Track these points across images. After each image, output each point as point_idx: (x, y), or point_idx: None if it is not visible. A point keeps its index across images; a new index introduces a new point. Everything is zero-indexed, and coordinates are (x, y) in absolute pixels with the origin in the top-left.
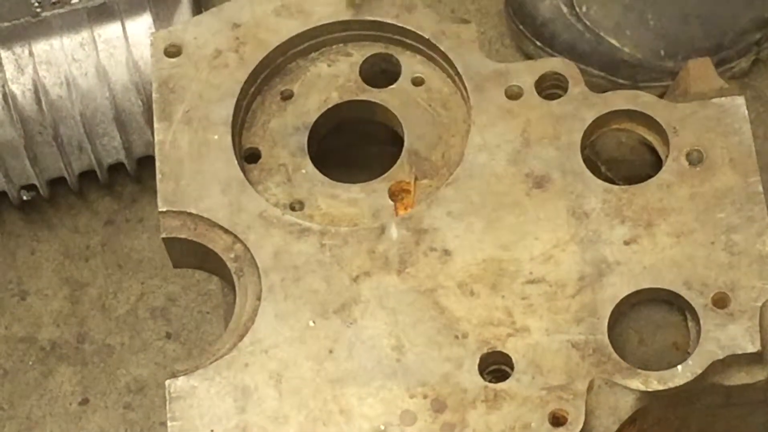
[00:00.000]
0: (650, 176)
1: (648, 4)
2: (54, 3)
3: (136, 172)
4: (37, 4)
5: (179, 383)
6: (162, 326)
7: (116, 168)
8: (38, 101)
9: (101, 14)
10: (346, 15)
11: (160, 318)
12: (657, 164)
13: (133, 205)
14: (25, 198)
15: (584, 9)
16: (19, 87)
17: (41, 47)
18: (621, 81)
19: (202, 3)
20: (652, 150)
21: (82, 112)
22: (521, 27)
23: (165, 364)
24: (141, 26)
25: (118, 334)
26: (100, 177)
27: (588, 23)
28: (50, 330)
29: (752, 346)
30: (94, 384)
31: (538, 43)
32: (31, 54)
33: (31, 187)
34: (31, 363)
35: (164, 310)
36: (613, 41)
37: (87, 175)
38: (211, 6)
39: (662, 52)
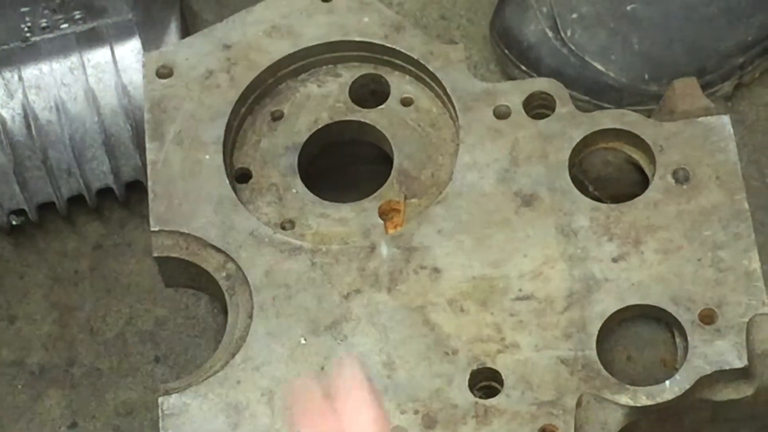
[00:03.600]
0: (637, 195)
1: (632, 28)
2: (44, 28)
3: (124, 197)
4: (27, 29)
5: (172, 400)
6: (150, 350)
7: (104, 193)
8: (28, 126)
9: (90, 39)
10: (335, 36)
11: (148, 342)
12: (643, 183)
13: (122, 230)
14: (14, 223)
15: (569, 33)
16: (9, 111)
17: (31, 72)
18: (606, 105)
19: (189, 29)
20: (639, 169)
21: (72, 137)
22: (507, 52)
23: (154, 387)
24: (130, 51)
25: (107, 358)
26: (88, 201)
27: (573, 48)
28: (39, 354)
29: (739, 362)
30: (83, 407)
31: (524, 68)
32: (20, 78)
33: (20, 212)
34: (20, 387)
35: (153, 333)
36: (598, 66)
37: (75, 200)
38: (198, 30)
39: (647, 76)
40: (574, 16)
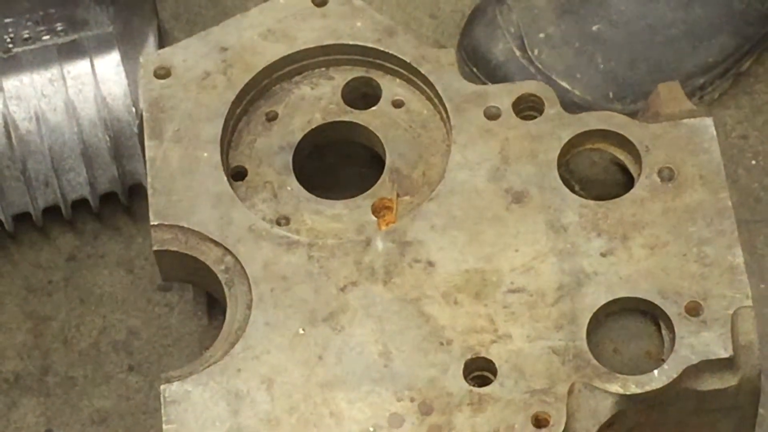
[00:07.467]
0: (620, 196)
1: (598, 48)
2: (25, 39)
3: (99, 209)
4: (9, 40)
5: (174, 388)
6: (124, 359)
7: (78, 204)
8: (8, 136)
9: (71, 51)
10: (328, 40)
11: (122, 351)
12: (628, 184)
13: (95, 241)
14: None
15: (536, 52)
16: None
17: (11, 83)
18: None
19: (165, 42)
20: (624, 170)
21: (51, 147)
22: (475, 70)
23: (127, 396)
24: (109, 63)
25: (81, 367)
26: (64, 212)
27: (540, 66)
28: (14, 362)
29: (724, 352)
30: (58, 415)
31: None
32: (1, 89)
33: None
34: None
35: (126, 343)
36: (564, 84)
37: (49, 211)
38: (173, 43)
39: (611, 95)
40: (541, 35)
